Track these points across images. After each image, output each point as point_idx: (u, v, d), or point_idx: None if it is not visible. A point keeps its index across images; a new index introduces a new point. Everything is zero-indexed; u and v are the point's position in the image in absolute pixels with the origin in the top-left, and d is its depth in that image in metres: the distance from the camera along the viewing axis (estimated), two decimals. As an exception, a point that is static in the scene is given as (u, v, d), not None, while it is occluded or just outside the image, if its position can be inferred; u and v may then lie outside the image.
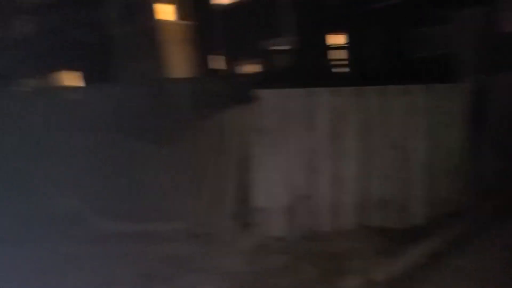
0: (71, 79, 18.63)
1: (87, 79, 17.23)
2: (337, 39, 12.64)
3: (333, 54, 12.54)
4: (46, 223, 4.83)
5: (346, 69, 12.32)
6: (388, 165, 4.27)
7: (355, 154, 4.23)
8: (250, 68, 13.67)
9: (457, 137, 4.43)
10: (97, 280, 3.58)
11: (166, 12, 15.37)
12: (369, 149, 4.26)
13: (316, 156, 4.19)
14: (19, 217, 4.87)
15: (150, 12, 15.54)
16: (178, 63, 14.62)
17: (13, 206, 5.01)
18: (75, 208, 5.16)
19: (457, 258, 3.58)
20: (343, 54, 12.41)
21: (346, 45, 12.37)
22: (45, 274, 3.72)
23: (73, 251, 4.16)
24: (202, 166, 4.78)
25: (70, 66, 18.19)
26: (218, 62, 14.22)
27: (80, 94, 7.31)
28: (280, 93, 4.20)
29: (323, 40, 12.50)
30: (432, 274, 3.38)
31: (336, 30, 12.46)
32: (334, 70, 12.61)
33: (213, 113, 5.09)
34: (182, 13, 15.55)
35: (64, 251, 4.17)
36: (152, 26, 15.19)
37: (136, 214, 4.92)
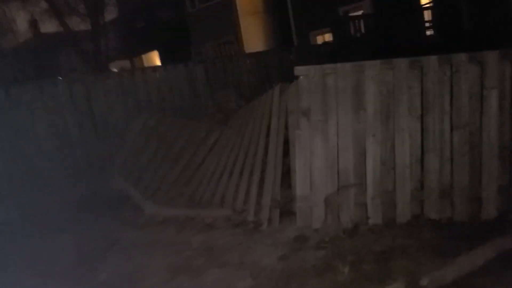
0: (151, 59, 19.37)
1: (166, 58, 17.77)
2: (422, -1, 11.40)
3: (417, 17, 11.32)
4: (95, 206, 4.99)
5: (433, 34, 11.06)
6: (454, 148, 3.64)
7: (411, 135, 3.67)
8: (326, 37, 12.95)
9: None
10: (127, 267, 3.58)
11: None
12: (428, 130, 3.66)
13: (365, 139, 3.71)
14: (66, 200, 5.09)
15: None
16: (254, 37, 14.39)
17: (64, 189, 5.26)
18: (125, 192, 5.26)
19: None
20: (428, 17, 11.15)
21: (432, 6, 11.09)
22: (83, 258, 3.82)
23: (116, 236, 4.23)
24: (247, 149, 4.53)
25: (150, 47, 18.91)
26: (293, 33, 13.70)
27: (154, 74, 7.38)
28: (325, 69, 3.75)
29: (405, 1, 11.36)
30: (493, 283, 2.81)
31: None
32: (418, 35, 11.36)
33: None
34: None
35: (108, 235, 4.25)
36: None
37: (183, 199, 4.87)
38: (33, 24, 20.95)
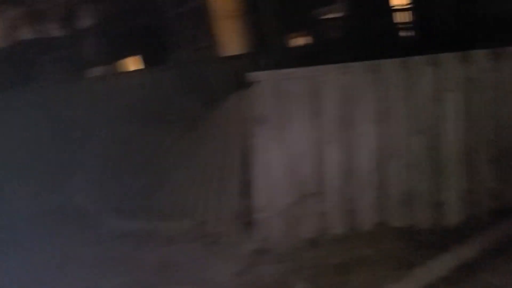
0: (129, 63, 19.11)
1: (145, 63, 17.53)
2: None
3: (392, 19, 11.27)
4: (54, 221, 4.80)
5: (409, 36, 10.99)
6: (414, 154, 3.53)
7: (372, 142, 3.55)
8: (303, 40, 12.84)
9: (504, 117, 3.53)
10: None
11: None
12: (389, 136, 3.55)
13: (325, 146, 3.58)
14: (26, 214, 4.91)
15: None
16: (231, 40, 14.22)
17: (25, 202, 5.06)
18: (87, 205, 5.08)
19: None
20: (404, 18, 11.10)
21: (407, 8, 11.05)
22: (31, 279, 3.63)
23: (70, 253, 4.04)
24: (208, 159, 4.38)
25: (129, 51, 18.65)
26: (269, 37, 13.56)
27: (125, 80, 7.19)
28: (281, 74, 3.62)
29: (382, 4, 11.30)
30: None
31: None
32: (395, 37, 11.27)
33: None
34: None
35: (61, 253, 4.07)
36: (205, 3, 14.88)
37: (144, 212, 4.70)
38: (11, 30, 20.58)
